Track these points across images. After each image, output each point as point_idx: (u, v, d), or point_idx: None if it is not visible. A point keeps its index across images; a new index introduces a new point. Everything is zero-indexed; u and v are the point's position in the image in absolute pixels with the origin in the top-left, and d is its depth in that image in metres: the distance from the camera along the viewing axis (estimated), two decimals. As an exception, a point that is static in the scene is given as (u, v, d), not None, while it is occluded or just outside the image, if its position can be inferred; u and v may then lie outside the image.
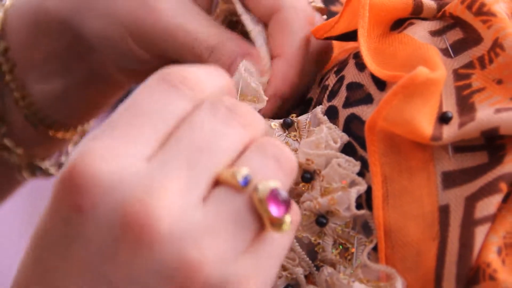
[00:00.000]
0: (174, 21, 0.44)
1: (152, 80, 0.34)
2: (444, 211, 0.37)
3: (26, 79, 0.50)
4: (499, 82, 0.38)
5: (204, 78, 0.35)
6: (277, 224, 0.33)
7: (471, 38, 0.40)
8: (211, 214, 0.33)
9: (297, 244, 0.39)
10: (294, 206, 0.35)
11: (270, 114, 0.44)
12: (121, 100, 0.50)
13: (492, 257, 0.36)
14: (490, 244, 0.36)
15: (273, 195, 0.33)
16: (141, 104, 0.34)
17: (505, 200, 0.36)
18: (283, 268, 0.39)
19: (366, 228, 0.38)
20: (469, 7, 0.40)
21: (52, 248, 0.34)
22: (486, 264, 0.36)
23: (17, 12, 0.49)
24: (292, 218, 0.34)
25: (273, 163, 0.34)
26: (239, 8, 0.44)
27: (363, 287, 0.37)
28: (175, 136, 0.34)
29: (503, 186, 0.36)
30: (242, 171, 0.33)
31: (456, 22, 0.41)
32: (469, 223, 0.36)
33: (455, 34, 0.40)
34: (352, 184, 0.38)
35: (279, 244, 0.34)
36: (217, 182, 0.34)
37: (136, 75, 0.46)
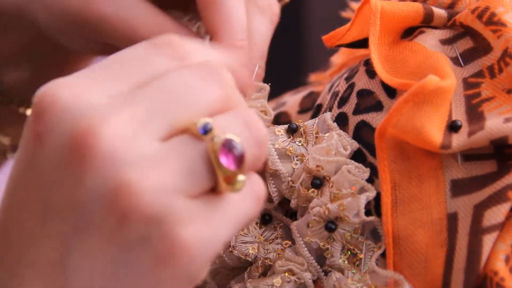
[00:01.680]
0: (109, 9, 0.44)
1: (140, 43, 0.35)
2: (452, 219, 0.37)
3: None
4: (509, 91, 0.38)
5: (193, 47, 0.35)
6: (230, 181, 0.33)
7: (481, 47, 0.40)
8: (162, 151, 0.33)
9: (305, 249, 0.39)
10: (257, 178, 0.35)
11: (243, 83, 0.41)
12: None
13: (500, 266, 0.36)
14: (498, 252, 0.36)
15: (228, 146, 0.33)
16: (120, 56, 0.34)
17: None
18: (292, 272, 0.39)
19: (375, 234, 0.39)
20: (480, 17, 0.40)
21: (16, 178, 0.34)
22: (494, 272, 0.36)
23: None
24: (254, 187, 0.34)
25: (241, 126, 0.34)
26: None
27: None
28: (149, 82, 0.34)
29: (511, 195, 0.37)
30: (203, 120, 0.33)
31: (466, 31, 0.41)
32: (477, 231, 0.37)
33: (465, 43, 0.41)
34: (362, 190, 0.39)
35: (234, 208, 0.34)
36: (181, 132, 0.34)
37: (101, 51, 0.46)
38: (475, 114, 0.38)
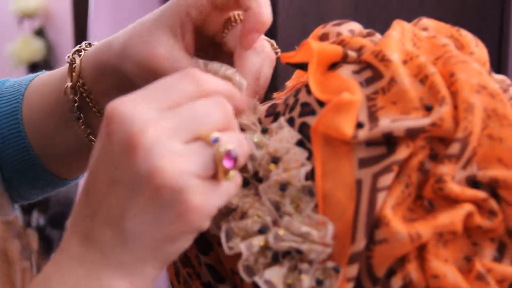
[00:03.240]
0: (167, 63, 0.53)
1: (175, 73, 0.43)
2: (359, 183, 0.43)
3: (98, 100, 0.60)
4: (394, 103, 0.45)
5: (206, 77, 0.43)
6: (226, 174, 0.41)
7: (376, 75, 0.46)
8: (185, 150, 0.40)
9: (268, 202, 0.45)
10: (239, 175, 0.43)
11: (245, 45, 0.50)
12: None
13: (388, 212, 0.43)
14: (387, 204, 0.43)
15: (228, 153, 0.41)
16: (162, 82, 0.42)
17: (396, 175, 0.43)
18: (258, 216, 0.45)
19: (311, 193, 0.45)
20: (376, 56, 0.47)
21: (95, 159, 0.42)
22: (384, 216, 0.43)
23: (87, 61, 0.60)
24: (237, 179, 0.42)
25: (237, 141, 0.42)
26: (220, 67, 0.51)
27: (308, 229, 0.44)
28: (180, 105, 0.41)
29: (395, 168, 0.43)
30: (215, 134, 0.41)
31: (368, 65, 0.47)
32: (374, 191, 0.43)
33: (367, 73, 0.47)
34: (303, 165, 0.45)
35: (225, 189, 0.42)
36: (198, 139, 0.41)
37: None
38: (373, 117, 0.44)
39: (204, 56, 0.54)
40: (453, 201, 0.43)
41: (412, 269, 0.42)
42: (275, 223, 0.45)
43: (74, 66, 0.60)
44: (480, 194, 0.43)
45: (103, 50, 0.58)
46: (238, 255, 0.45)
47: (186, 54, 0.54)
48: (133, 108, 0.41)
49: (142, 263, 0.41)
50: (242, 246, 0.44)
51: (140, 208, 0.40)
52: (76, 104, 0.60)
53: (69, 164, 0.66)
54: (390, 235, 0.42)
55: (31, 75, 0.69)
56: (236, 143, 0.42)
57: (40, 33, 3.05)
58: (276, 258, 0.44)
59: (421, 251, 0.43)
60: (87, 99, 0.61)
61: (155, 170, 0.39)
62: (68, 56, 0.62)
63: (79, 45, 0.62)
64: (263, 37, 0.53)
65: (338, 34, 0.50)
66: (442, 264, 0.42)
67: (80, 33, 2.47)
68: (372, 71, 0.47)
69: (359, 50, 0.49)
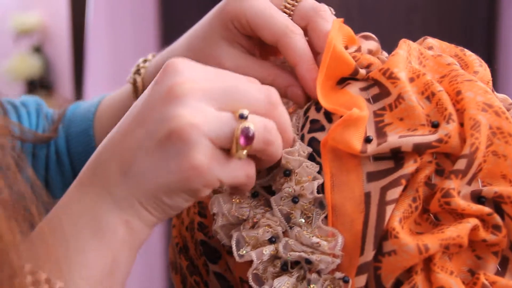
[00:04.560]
0: (229, 63, 0.54)
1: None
2: (367, 196, 0.44)
3: None
4: (401, 119, 0.45)
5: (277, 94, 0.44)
6: (237, 150, 0.41)
7: (384, 92, 0.47)
8: (212, 113, 0.41)
9: (279, 212, 0.46)
10: (253, 167, 0.43)
11: (314, 95, 0.49)
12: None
13: (396, 224, 0.43)
14: (395, 216, 0.43)
15: (246, 131, 0.41)
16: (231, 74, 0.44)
17: (404, 189, 0.44)
18: (270, 226, 0.45)
19: (321, 205, 0.45)
20: (384, 73, 0.47)
21: (134, 105, 0.43)
22: (392, 228, 0.43)
23: (149, 80, 0.60)
24: (247, 168, 0.43)
25: (266, 127, 0.42)
26: None
27: (317, 239, 0.44)
28: (231, 80, 0.42)
29: (403, 181, 0.43)
30: (244, 111, 0.41)
31: (375, 83, 0.48)
32: (382, 203, 0.43)
33: (374, 90, 0.48)
34: (314, 178, 0.46)
35: (231, 167, 0.42)
36: (228, 111, 0.42)
37: None
38: (380, 133, 0.45)
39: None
40: (458, 216, 0.43)
41: (419, 281, 0.42)
42: (286, 233, 0.46)
43: (137, 85, 0.63)
44: (485, 209, 0.43)
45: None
46: (248, 264, 0.45)
47: (251, 57, 0.54)
48: (187, 66, 0.42)
49: (139, 205, 0.42)
50: (252, 254, 0.44)
51: (149, 150, 0.41)
52: None
53: None
54: (399, 247, 0.42)
55: (98, 97, 0.71)
56: (263, 128, 0.42)
57: (37, 50, 3.05)
58: (285, 267, 0.45)
59: (428, 263, 0.43)
60: None
61: (174, 115, 0.40)
62: (130, 77, 0.63)
63: (137, 65, 0.64)
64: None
65: (358, 48, 0.50)
66: (448, 276, 0.42)
67: (78, 50, 2.48)
68: (379, 88, 0.47)
69: (367, 67, 0.49)
